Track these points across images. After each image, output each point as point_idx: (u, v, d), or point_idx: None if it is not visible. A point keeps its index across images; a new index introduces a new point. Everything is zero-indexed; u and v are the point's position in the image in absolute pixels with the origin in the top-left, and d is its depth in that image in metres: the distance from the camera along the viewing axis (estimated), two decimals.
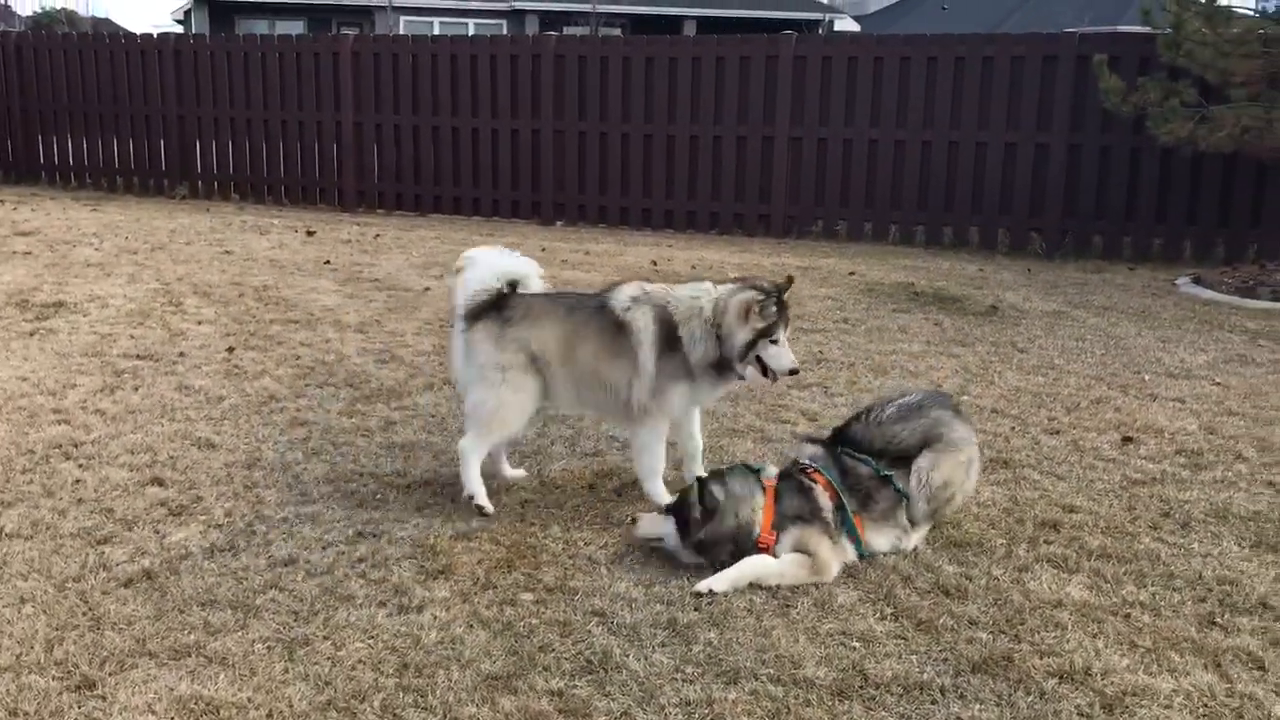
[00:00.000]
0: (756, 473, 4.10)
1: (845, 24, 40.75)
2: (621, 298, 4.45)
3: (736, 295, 4.31)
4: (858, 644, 3.43)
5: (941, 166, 12.25)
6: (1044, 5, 45.08)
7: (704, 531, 3.91)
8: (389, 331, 7.45)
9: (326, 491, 4.61)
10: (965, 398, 6.04)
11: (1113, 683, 3.21)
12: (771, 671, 3.26)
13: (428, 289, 8.95)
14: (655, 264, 10.53)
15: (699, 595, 3.70)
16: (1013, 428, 5.62)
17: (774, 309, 4.27)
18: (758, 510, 3.96)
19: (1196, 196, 11.30)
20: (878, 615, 3.62)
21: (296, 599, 3.67)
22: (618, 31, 31.83)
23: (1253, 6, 9.79)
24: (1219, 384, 6.50)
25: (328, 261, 10.22)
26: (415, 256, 10.73)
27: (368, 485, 4.69)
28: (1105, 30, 15.65)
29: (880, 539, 4.06)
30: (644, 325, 4.37)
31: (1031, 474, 4.95)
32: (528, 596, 3.70)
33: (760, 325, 4.27)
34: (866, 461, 4.13)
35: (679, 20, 35.90)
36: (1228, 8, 9.73)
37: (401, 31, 30.38)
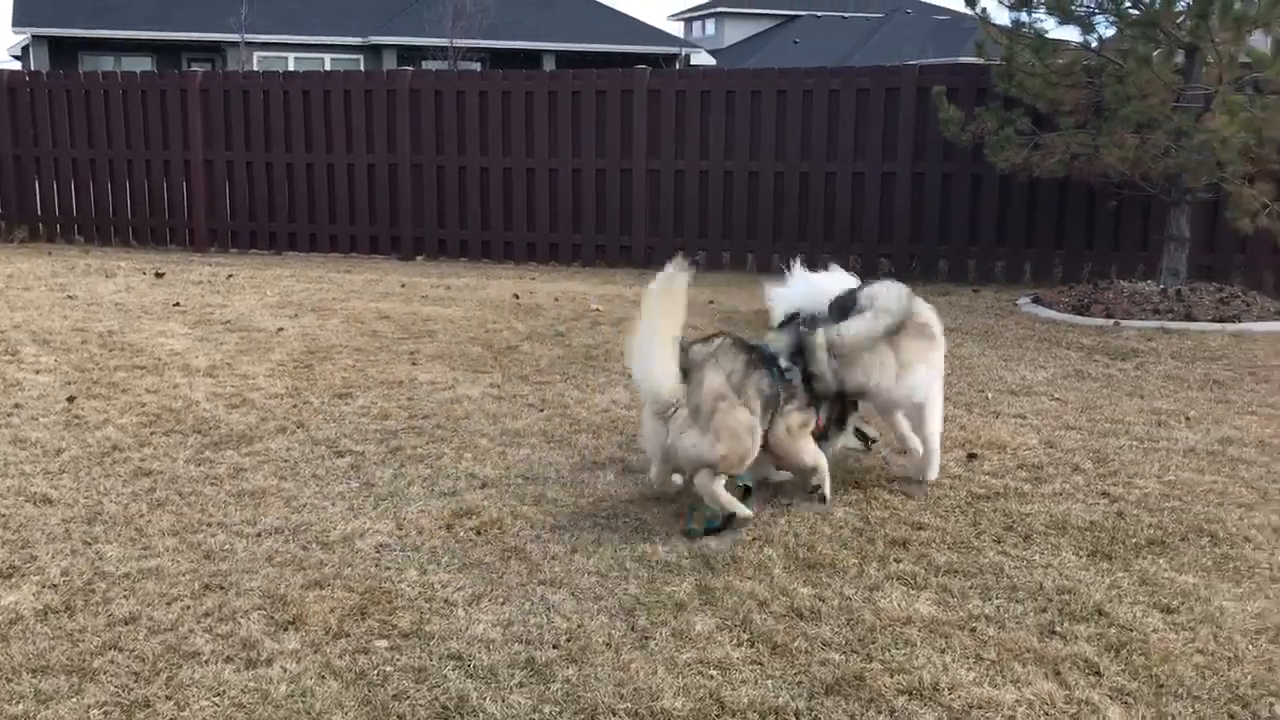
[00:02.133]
0: None
1: (701, 58, 41.53)
2: None
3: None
4: (715, 672, 3.46)
5: (795, 196, 12.56)
6: (889, 39, 46.77)
7: None
8: (240, 375, 7.26)
9: (171, 544, 4.45)
10: None
11: (960, 697, 3.31)
12: (629, 705, 3.26)
13: (281, 329, 8.75)
14: (518, 297, 10.52)
15: None
16: (864, 449, 5.76)
17: None
18: None
19: (1034, 220, 11.83)
20: (734, 641, 3.66)
21: (137, 659, 3.52)
22: (476, 66, 31.79)
23: (1079, 39, 10.29)
24: (1057, 399, 6.79)
25: (177, 304, 9.91)
26: (270, 296, 10.49)
27: (216, 536, 4.54)
28: (945, 62, 16.30)
29: None
30: None
31: (882, 494, 5.09)
32: (382, 643, 3.63)
33: None
34: None
35: (538, 55, 36.09)
36: (1055, 40, 10.24)
37: (255, 67, 29.76)
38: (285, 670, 3.44)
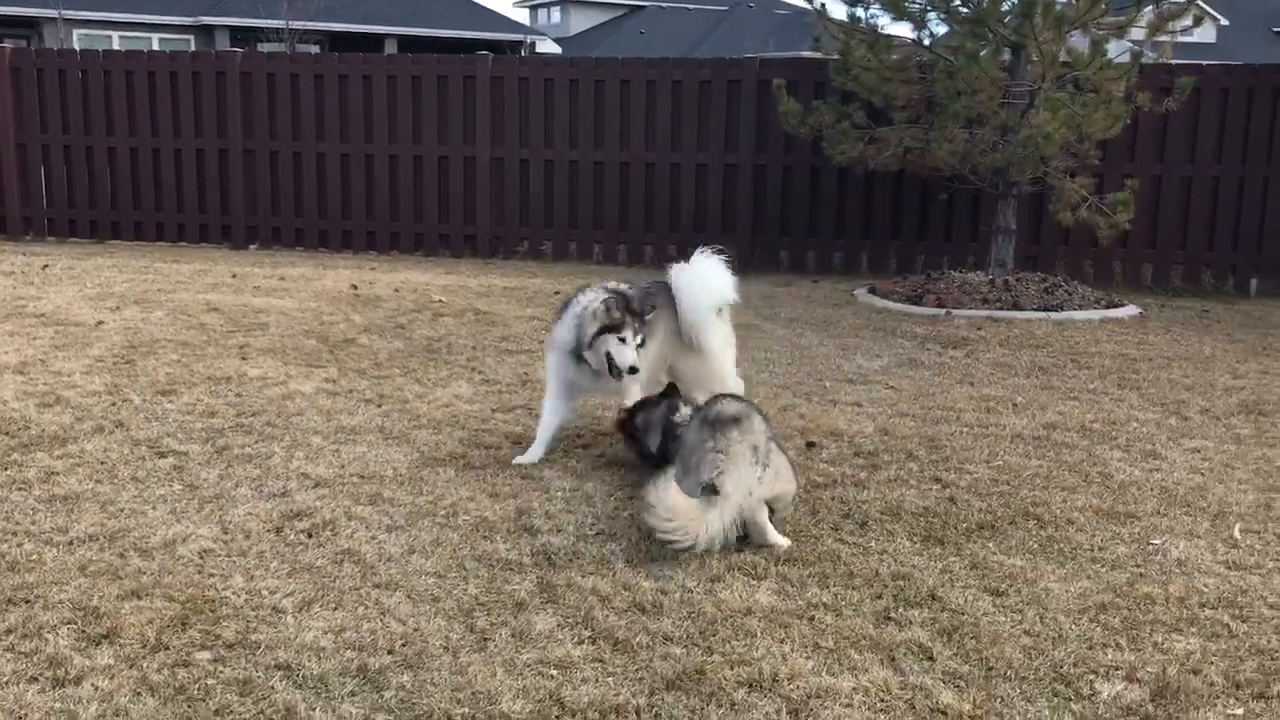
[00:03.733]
0: None
1: (547, 45, 41.31)
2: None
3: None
4: (555, 671, 3.39)
5: (640, 187, 12.57)
6: (733, 32, 47.43)
7: None
8: (54, 372, 6.82)
9: None
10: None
11: (799, 687, 3.32)
12: (467, 710, 3.16)
13: (101, 323, 8.28)
14: (356, 288, 10.22)
15: None
16: None
17: (621, 311, 5.12)
18: None
19: (870, 212, 12.13)
20: (575, 639, 3.60)
21: None
22: (315, 49, 30.83)
23: (911, 35, 10.56)
24: (892, 387, 6.96)
25: None
26: (89, 288, 9.92)
27: (22, 545, 4.23)
28: (784, 56, 16.58)
29: None
30: None
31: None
32: (204, 655, 3.43)
33: (606, 321, 5.14)
34: None
35: (379, 39, 35.28)
36: (889, 36, 10.50)
37: (75, 45, 28.20)
38: (96, 688, 3.22)
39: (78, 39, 31.56)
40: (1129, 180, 10.38)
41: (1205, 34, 38.58)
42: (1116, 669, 3.46)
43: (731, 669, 3.42)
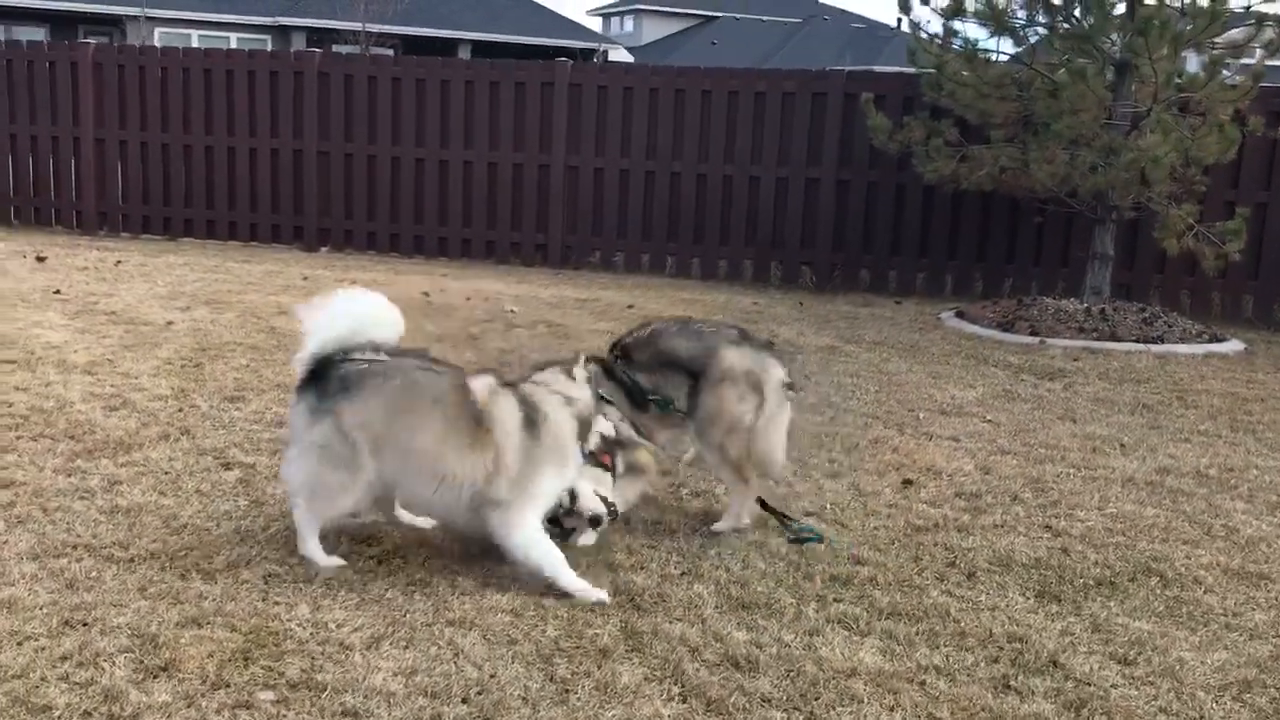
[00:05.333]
0: None
1: (619, 54, 41.21)
2: None
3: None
4: None
5: (717, 200, 12.27)
6: (807, 44, 47.02)
7: None
8: (122, 373, 6.67)
9: (30, 571, 3.92)
10: None
11: None
12: None
13: (171, 323, 8.15)
14: (427, 295, 10.03)
15: None
16: (795, 471, 5.46)
17: None
18: None
19: (957, 232, 11.71)
20: (664, 696, 3.30)
21: None
22: (390, 52, 30.96)
23: (1009, 50, 10.18)
24: (990, 421, 6.58)
25: (58, 291, 9.21)
26: (160, 286, 9.83)
27: (82, 561, 4.03)
28: (872, 69, 16.20)
29: None
30: None
31: (816, 523, 4.77)
32: (266, 696, 3.18)
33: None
34: None
35: (453, 43, 35.41)
36: (988, 50, 10.13)
37: (156, 43, 28.58)
38: None
39: (159, 37, 32.00)
40: (1237, 208, 9.86)
41: None
42: None
43: None
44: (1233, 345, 9.30)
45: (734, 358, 4.61)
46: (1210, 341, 9.29)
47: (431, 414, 4.04)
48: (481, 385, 4.10)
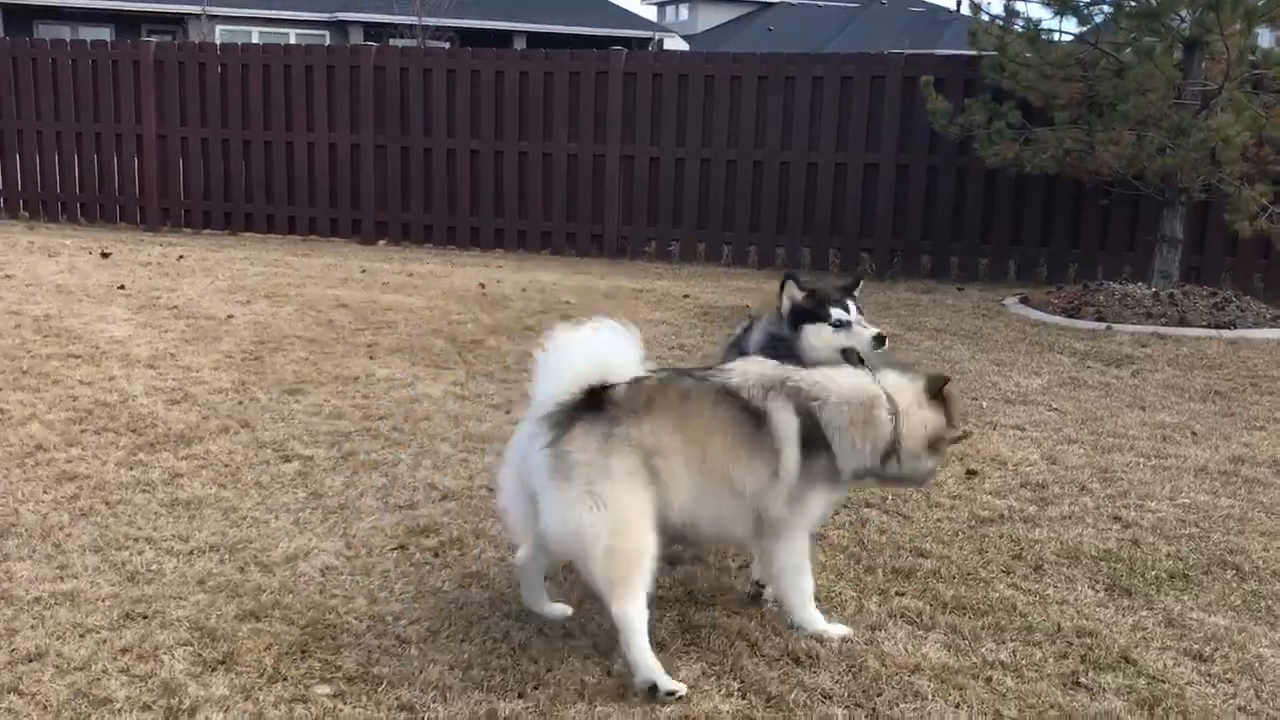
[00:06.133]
0: None
1: (674, 43, 41.05)
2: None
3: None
4: None
5: (774, 187, 12.14)
6: (866, 29, 46.49)
7: None
8: (183, 366, 6.74)
9: (93, 563, 3.96)
10: None
11: None
12: None
13: (231, 317, 8.23)
14: (484, 287, 10.04)
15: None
16: None
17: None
18: None
19: (1020, 217, 11.48)
20: (724, 692, 3.24)
21: (39, 706, 3.05)
22: (445, 45, 31.10)
23: (1073, 30, 9.94)
24: (1055, 409, 6.42)
25: (122, 286, 9.36)
26: (221, 280, 9.94)
27: (143, 553, 4.06)
28: (931, 52, 15.94)
29: None
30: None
31: (877, 515, 4.68)
32: (323, 690, 3.18)
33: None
34: None
35: (508, 35, 35.49)
36: (1051, 30, 9.89)
37: (218, 39, 28.96)
38: None
39: (219, 34, 32.43)
40: None
41: None
42: None
43: None
44: None
45: None
46: None
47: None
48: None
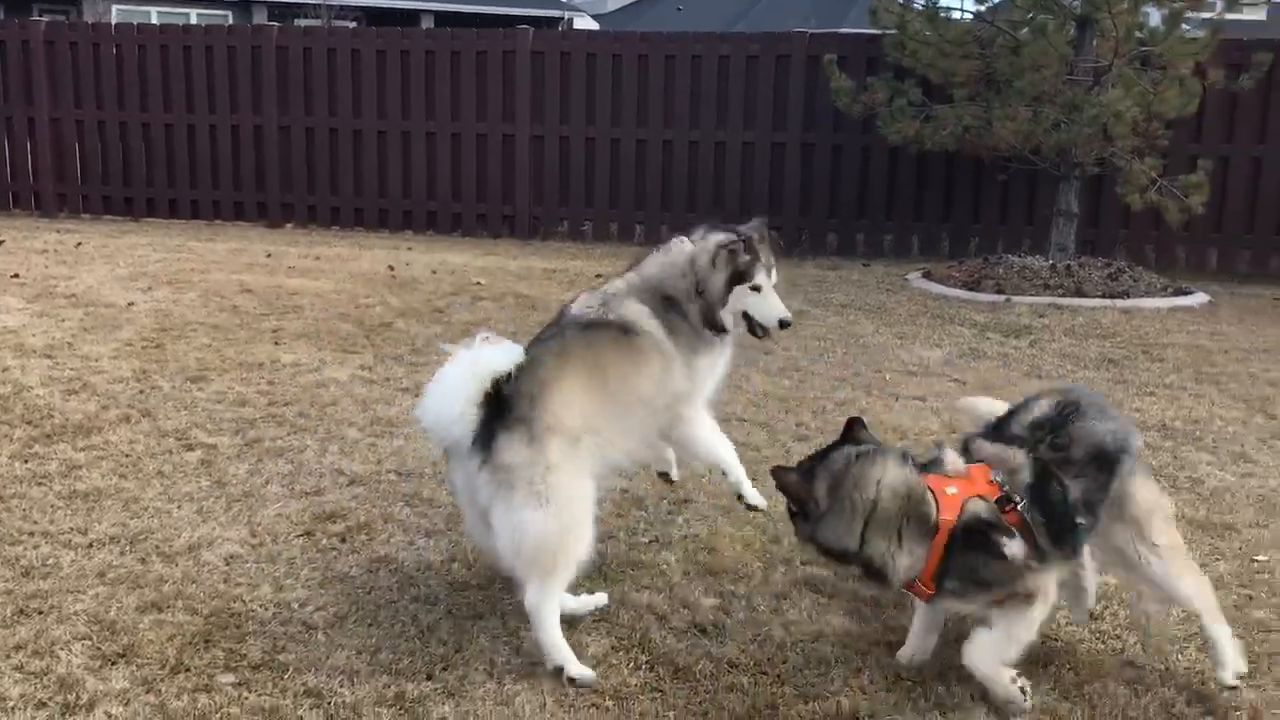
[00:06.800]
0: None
1: (584, 22, 40.79)
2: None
3: (707, 239, 3.67)
4: (611, 703, 3.09)
5: (683, 166, 12.18)
6: (773, 8, 46.69)
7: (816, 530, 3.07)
8: (82, 355, 6.57)
9: None
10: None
11: None
12: None
13: (131, 304, 8.04)
14: (392, 269, 9.93)
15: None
16: (764, 436, 5.45)
17: (747, 253, 3.64)
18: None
19: (923, 194, 11.69)
20: (631, 665, 3.29)
21: None
22: (352, 24, 30.56)
23: (971, 8, 10.12)
24: (956, 380, 6.58)
25: (16, 275, 9.07)
26: (121, 267, 9.69)
27: (39, 547, 3.97)
28: (834, 31, 16.09)
29: None
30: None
31: None
32: (227, 679, 3.15)
33: (733, 269, 3.61)
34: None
35: (416, 14, 34.94)
36: (949, 9, 10.05)
37: (114, 20, 28.07)
38: (109, 716, 2.95)
39: (116, 14, 31.43)
40: (1199, 161, 9.88)
41: (1255, 12, 37.55)
42: (1236, 709, 3.11)
43: (806, 704, 3.10)
44: (1197, 298, 9.34)
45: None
46: (1175, 295, 9.33)
47: None
48: None
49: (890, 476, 3.02)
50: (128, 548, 3.98)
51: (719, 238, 3.65)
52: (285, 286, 8.94)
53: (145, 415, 5.48)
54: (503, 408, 3.21)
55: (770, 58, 11.85)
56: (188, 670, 3.18)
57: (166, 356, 6.62)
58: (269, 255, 10.57)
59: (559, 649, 3.19)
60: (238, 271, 9.61)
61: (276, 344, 7.01)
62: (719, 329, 3.67)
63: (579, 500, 3.25)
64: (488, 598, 3.67)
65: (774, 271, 3.71)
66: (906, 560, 3.00)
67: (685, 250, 3.69)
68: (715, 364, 3.77)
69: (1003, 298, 9.07)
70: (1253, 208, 11.05)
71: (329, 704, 3.03)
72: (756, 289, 3.65)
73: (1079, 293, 9.13)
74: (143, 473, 4.73)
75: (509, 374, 3.24)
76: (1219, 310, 9.03)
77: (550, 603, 3.20)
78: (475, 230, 12.67)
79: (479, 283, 9.40)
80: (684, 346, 3.61)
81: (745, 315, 3.69)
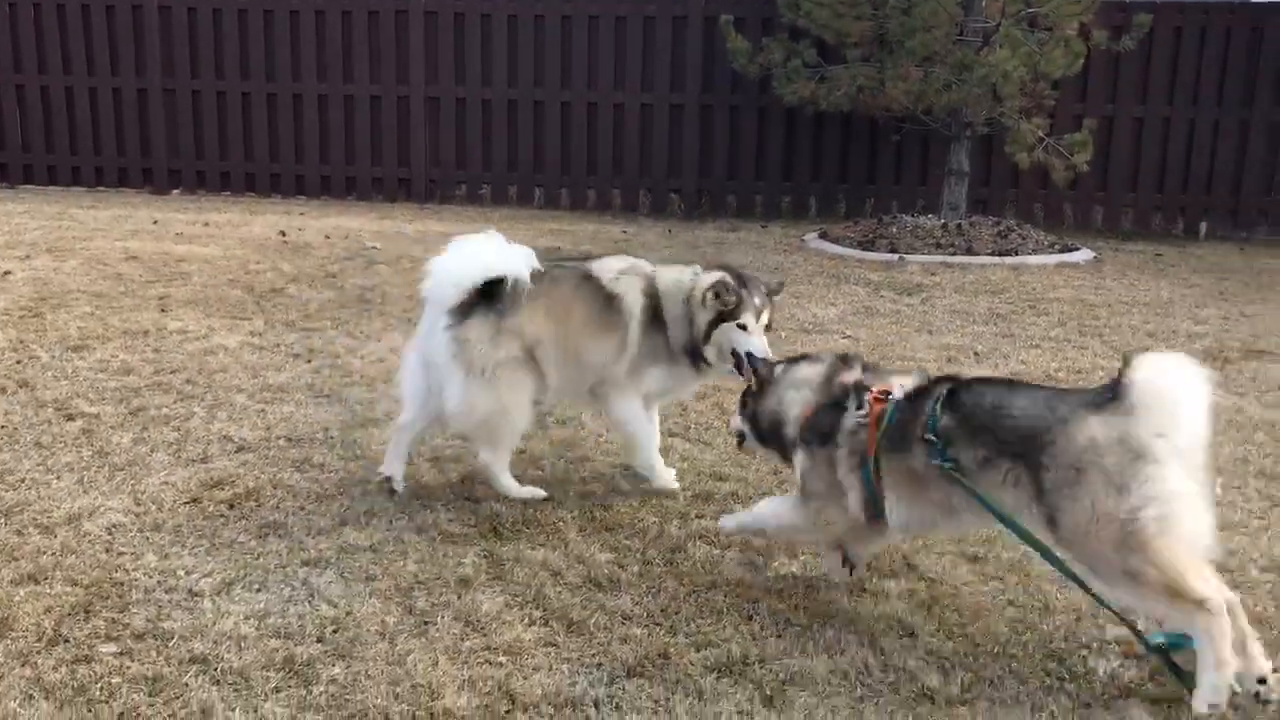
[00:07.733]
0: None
1: None
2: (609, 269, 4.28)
3: (704, 277, 4.17)
4: (504, 658, 3.08)
5: (582, 128, 12.12)
6: None
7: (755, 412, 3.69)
8: None
9: None
10: None
11: (771, 670, 3.04)
12: (406, 707, 2.84)
13: (8, 273, 7.73)
14: (284, 234, 9.71)
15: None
16: None
17: (737, 293, 4.04)
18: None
19: (819, 155, 11.81)
20: (526, 621, 3.29)
21: None
22: None
23: None
24: (849, 337, 6.68)
25: None
26: None
27: None
28: None
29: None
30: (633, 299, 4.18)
31: (680, 443, 4.80)
32: (109, 649, 3.07)
33: (722, 308, 4.04)
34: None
35: None
36: None
37: None
38: None
39: None
40: (1084, 120, 10.15)
41: None
42: (1113, 645, 3.22)
43: (698, 652, 3.13)
44: (1083, 254, 9.62)
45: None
46: (1062, 252, 9.59)
47: None
48: None
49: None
50: (2, 520, 3.85)
51: (714, 278, 4.11)
52: (172, 253, 8.69)
53: (23, 386, 5.29)
54: (489, 297, 3.92)
55: (667, 18, 11.82)
56: (66, 641, 3.09)
57: (46, 326, 6.39)
58: (155, 222, 10.25)
59: (511, 489, 4.09)
60: (122, 239, 9.31)
61: (163, 311, 6.82)
62: (699, 360, 4.14)
63: (520, 388, 4.00)
64: (379, 559, 3.63)
65: (765, 315, 4.11)
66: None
67: (692, 281, 4.19)
68: (668, 379, 4.24)
69: (896, 256, 9.22)
70: (1136, 167, 11.41)
71: (215, 670, 2.98)
72: (743, 327, 4.07)
73: (969, 251, 9.33)
74: (19, 444, 4.57)
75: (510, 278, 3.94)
76: (1103, 266, 9.31)
77: (499, 461, 4.07)
78: (370, 194, 12.46)
79: (374, 247, 9.25)
80: (647, 351, 4.14)
81: (733, 352, 4.04)
